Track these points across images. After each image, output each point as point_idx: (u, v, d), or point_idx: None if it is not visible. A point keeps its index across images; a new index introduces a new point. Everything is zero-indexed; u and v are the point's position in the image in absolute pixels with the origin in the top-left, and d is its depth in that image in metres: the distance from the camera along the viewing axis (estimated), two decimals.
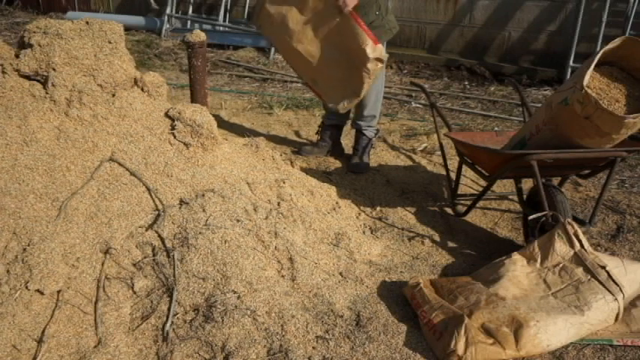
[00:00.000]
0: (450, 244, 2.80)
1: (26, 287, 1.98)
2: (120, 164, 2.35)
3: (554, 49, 6.02)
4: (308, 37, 3.30)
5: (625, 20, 5.43)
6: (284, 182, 2.68)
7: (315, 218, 2.61)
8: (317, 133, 3.92)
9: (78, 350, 1.92)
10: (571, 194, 3.33)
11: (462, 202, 3.08)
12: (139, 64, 5.02)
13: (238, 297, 2.09)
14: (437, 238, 2.86)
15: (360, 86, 3.27)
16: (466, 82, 6.10)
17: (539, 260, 2.27)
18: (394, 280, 2.44)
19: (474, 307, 2.06)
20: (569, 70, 5.67)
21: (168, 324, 2.00)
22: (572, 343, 2.05)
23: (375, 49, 3.16)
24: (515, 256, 2.30)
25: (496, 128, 4.60)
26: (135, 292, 2.10)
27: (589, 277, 2.15)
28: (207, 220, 2.28)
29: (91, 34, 2.44)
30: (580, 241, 2.26)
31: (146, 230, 2.24)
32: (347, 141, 4.21)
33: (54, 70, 2.35)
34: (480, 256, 2.69)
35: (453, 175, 3.09)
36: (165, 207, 2.30)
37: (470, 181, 3.50)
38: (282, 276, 2.27)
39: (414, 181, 3.51)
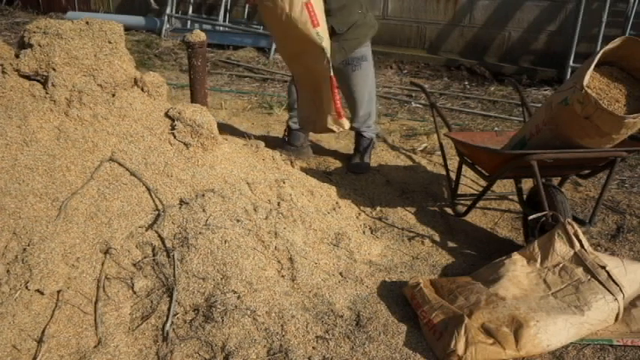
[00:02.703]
0: (450, 244, 2.80)
1: (26, 287, 1.98)
2: (120, 164, 2.35)
3: (554, 49, 6.02)
4: (294, 57, 3.22)
5: (625, 20, 5.43)
6: (284, 182, 2.69)
7: (315, 218, 2.61)
8: (283, 137, 3.83)
9: (78, 350, 1.92)
10: (571, 194, 3.33)
11: (462, 202, 3.08)
12: (139, 64, 5.02)
13: (238, 297, 2.09)
14: (437, 238, 2.86)
15: (322, 128, 3.40)
16: (466, 82, 6.10)
17: (539, 260, 2.27)
18: (394, 280, 2.44)
19: (474, 307, 2.06)
20: (569, 70, 5.66)
21: (168, 324, 2.00)
22: (572, 343, 2.05)
23: (334, 122, 3.26)
24: (515, 256, 2.30)
25: (496, 128, 4.60)
26: (135, 292, 2.10)
27: (589, 277, 2.15)
28: (207, 220, 2.28)
29: (91, 34, 2.44)
30: (580, 241, 2.26)
31: (146, 230, 2.24)
32: (347, 141, 4.21)
33: (54, 70, 2.35)
34: (480, 256, 2.69)
35: (453, 175, 3.09)
36: (166, 207, 2.30)
37: (470, 181, 3.50)
38: (282, 276, 2.27)
39: (414, 181, 3.51)
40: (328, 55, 3.00)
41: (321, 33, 2.94)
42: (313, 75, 3.17)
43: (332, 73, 3.08)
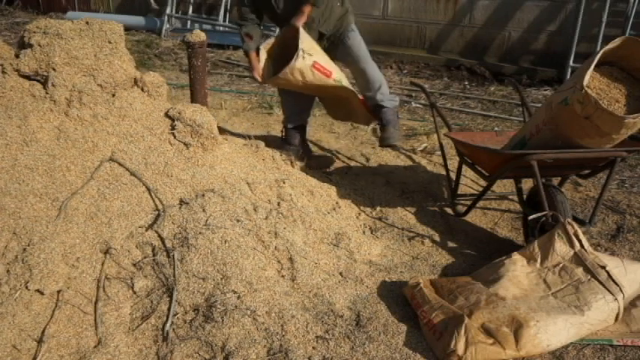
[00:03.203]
0: (450, 244, 2.80)
1: (26, 287, 1.98)
2: (120, 164, 2.35)
3: (554, 49, 6.02)
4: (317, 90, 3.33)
5: (625, 20, 5.43)
6: (284, 182, 2.69)
7: (315, 218, 2.61)
8: (282, 138, 3.80)
9: (78, 350, 1.92)
10: (571, 194, 3.33)
11: (462, 202, 3.08)
12: (139, 64, 5.01)
13: (238, 297, 2.09)
14: (437, 238, 2.85)
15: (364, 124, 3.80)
16: (466, 82, 6.10)
17: (539, 260, 2.27)
18: (394, 280, 2.44)
19: (474, 307, 2.06)
20: (569, 70, 5.67)
21: (168, 324, 2.00)
22: (572, 343, 2.05)
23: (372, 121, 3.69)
24: (515, 256, 2.30)
25: (496, 128, 4.60)
26: (135, 292, 2.10)
27: (589, 277, 2.15)
28: (207, 220, 2.28)
29: (91, 34, 2.44)
30: (580, 241, 2.26)
31: (146, 230, 2.24)
32: (347, 141, 4.21)
33: (54, 70, 2.35)
34: (480, 256, 2.69)
35: (453, 175, 3.09)
36: (166, 207, 2.30)
37: (470, 181, 3.50)
38: (282, 276, 2.27)
39: (414, 181, 3.51)
40: (350, 87, 3.25)
41: (337, 77, 3.16)
42: (340, 94, 3.36)
43: (360, 96, 3.37)
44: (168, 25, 7.74)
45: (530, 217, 2.44)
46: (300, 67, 2.96)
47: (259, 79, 3.21)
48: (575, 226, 2.31)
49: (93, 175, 2.29)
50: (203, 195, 2.37)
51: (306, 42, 3.00)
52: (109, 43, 2.46)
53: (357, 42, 3.40)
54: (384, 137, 3.49)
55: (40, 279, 1.99)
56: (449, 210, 3.16)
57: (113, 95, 2.45)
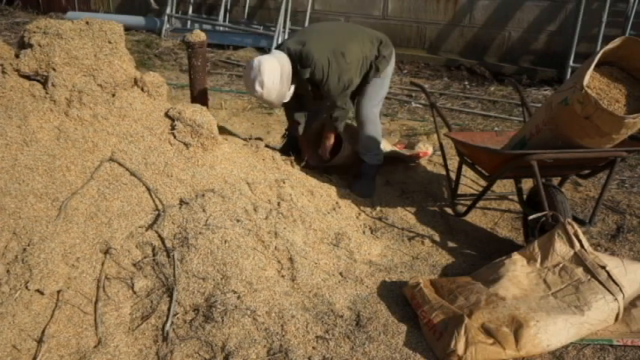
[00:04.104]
0: (450, 244, 2.80)
1: (26, 287, 1.98)
2: (120, 164, 2.35)
3: (554, 49, 6.02)
4: None
5: (625, 20, 5.43)
6: (284, 182, 2.69)
7: (315, 218, 2.61)
8: (283, 136, 3.77)
9: (78, 350, 1.92)
10: (571, 194, 3.33)
11: (462, 202, 3.08)
12: (139, 64, 5.02)
13: (238, 297, 2.09)
14: (437, 238, 2.85)
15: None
16: (466, 82, 6.10)
17: (539, 260, 2.27)
18: (394, 280, 2.44)
19: (474, 307, 2.06)
20: (569, 70, 5.67)
21: (168, 324, 2.00)
22: (572, 343, 2.05)
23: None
24: (515, 256, 2.30)
25: (496, 128, 4.60)
26: (135, 292, 2.10)
27: (589, 277, 2.15)
28: (207, 220, 2.28)
29: (91, 34, 2.44)
30: (580, 241, 2.26)
31: (146, 230, 2.24)
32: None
33: (54, 70, 2.35)
34: (480, 256, 2.69)
35: (453, 175, 3.09)
36: (166, 207, 2.30)
37: (470, 181, 3.50)
38: (282, 276, 2.27)
39: (414, 181, 3.51)
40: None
41: None
42: None
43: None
44: (168, 25, 7.74)
45: (530, 217, 2.44)
46: (346, 155, 3.42)
47: (310, 162, 3.44)
48: (575, 226, 2.31)
49: (93, 175, 2.29)
50: (203, 195, 2.37)
51: (347, 134, 3.43)
52: (109, 43, 2.46)
53: (375, 90, 3.19)
54: (354, 188, 3.29)
55: (40, 279, 1.99)
56: (449, 210, 3.16)
57: (113, 95, 2.46)
